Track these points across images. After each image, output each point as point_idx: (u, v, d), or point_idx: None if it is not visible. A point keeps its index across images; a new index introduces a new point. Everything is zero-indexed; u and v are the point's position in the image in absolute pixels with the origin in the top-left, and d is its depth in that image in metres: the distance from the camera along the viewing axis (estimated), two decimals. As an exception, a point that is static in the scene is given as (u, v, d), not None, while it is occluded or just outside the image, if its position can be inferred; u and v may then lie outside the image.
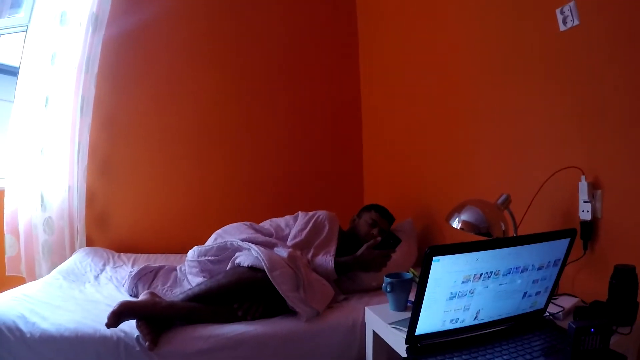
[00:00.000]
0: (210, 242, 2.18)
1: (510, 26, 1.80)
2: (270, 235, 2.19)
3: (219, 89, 3.09)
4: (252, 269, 1.80)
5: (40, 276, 2.58)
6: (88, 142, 2.81)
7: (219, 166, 3.11)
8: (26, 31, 2.76)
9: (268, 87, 3.17)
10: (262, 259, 1.77)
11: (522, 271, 1.14)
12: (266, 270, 1.73)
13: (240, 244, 1.98)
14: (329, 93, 3.27)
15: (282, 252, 1.93)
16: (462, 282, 1.08)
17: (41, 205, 2.68)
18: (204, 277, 2.00)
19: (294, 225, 2.21)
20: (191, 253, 2.10)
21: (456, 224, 1.50)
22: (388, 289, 1.43)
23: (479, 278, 1.09)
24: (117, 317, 1.57)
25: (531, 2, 1.68)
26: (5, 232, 2.72)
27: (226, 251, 2.02)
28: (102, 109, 2.89)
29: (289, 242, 2.11)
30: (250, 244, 1.95)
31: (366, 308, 1.52)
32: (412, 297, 1.34)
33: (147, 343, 1.53)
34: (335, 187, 3.27)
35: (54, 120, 2.69)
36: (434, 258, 1.01)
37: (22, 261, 2.74)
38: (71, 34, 2.69)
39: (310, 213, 2.23)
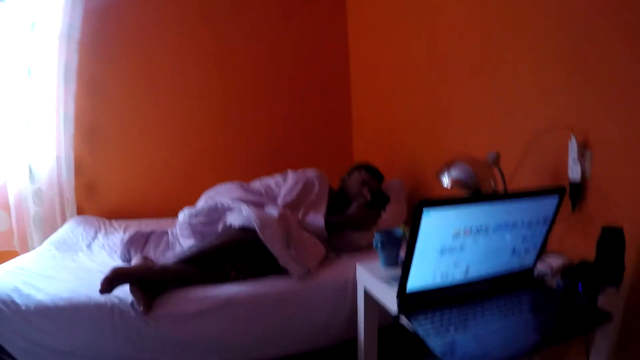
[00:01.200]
0: (200, 203, 2.18)
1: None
2: (260, 195, 2.20)
3: (204, 48, 3.03)
4: (243, 229, 1.81)
5: (33, 248, 2.58)
6: (73, 110, 2.76)
7: (205, 128, 3.09)
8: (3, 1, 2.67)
9: (255, 44, 3.10)
10: (253, 218, 1.78)
11: (511, 227, 1.15)
12: (257, 229, 1.75)
13: (230, 203, 1.99)
14: (316, 50, 3.22)
15: (273, 211, 1.94)
16: (452, 237, 1.09)
17: (29, 177, 2.65)
18: (195, 239, 2.01)
19: (283, 185, 2.22)
20: (182, 216, 2.10)
21: (446, 180, 1.50)
22: (379, 246, 1.44)
23: (469, 233, 1.10)
24: (110, 283, 1.58)
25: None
26: (-4, 208, 2.71)
27: (217, 212, 2.03)
28: (86, 76, 2.83)
29: (280, 201, 2.12)
30: (240, 202, 1.96)
31: (357, 265, 1.53)
32: (403, 254, 1.36)
33: (141, 307, 1.55)
34: (324, 145, 3.27)
35: (37, 90, 2.63)
36: (425, 211, 1.02)
37: (14, 235, 2.74)
38: (50, 1, 2.60)
39: (300, 172, 2.24)
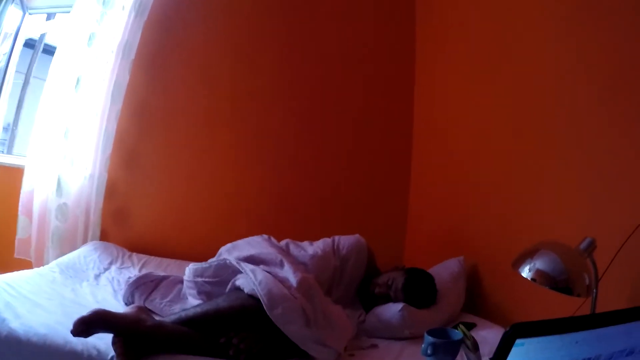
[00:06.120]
0: (214, 258, 1.88)
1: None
2: (285, 252, 1.90)
3: (258, 88, 2.80)
4: (252, 296, 1.51)
5: (48, 262, 2.42)
6: (115, 130, 2.63)
7: (252, 172, 2.80)
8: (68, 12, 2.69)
9: (313, 92, 2.84)
10: (259, 293, 1.47)
11: (627, 354, 0.78)
12: (265, 309, 1.43)
13: (242, 266, 1.67)
14: (380, 108, 2.87)
15: (292, 276, 1.62)
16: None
17: (57, 190, 2.52)
18: (201, 300, 1.72)
19: (310, 246, 1.97)
20: (187, 272, 1.82)
21: (527, 272, 1.13)
22: (429, 352, 1.07)
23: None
24: (86, 325, 1.30)
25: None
26: (19, 213, 2.61)
27: (226, 271, 1.74)
28: (134, 97, 2.70)
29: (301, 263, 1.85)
30: (249, 267, 1.64)
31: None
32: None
33: None
34: (376, 211, 2.84)
35: (82, 103, 2.53)
36: (517, 341, 0.67)
37: (32, 245, 2.61)
38: (113, 17, 2.55)
39: (336, 238, 2.00)
